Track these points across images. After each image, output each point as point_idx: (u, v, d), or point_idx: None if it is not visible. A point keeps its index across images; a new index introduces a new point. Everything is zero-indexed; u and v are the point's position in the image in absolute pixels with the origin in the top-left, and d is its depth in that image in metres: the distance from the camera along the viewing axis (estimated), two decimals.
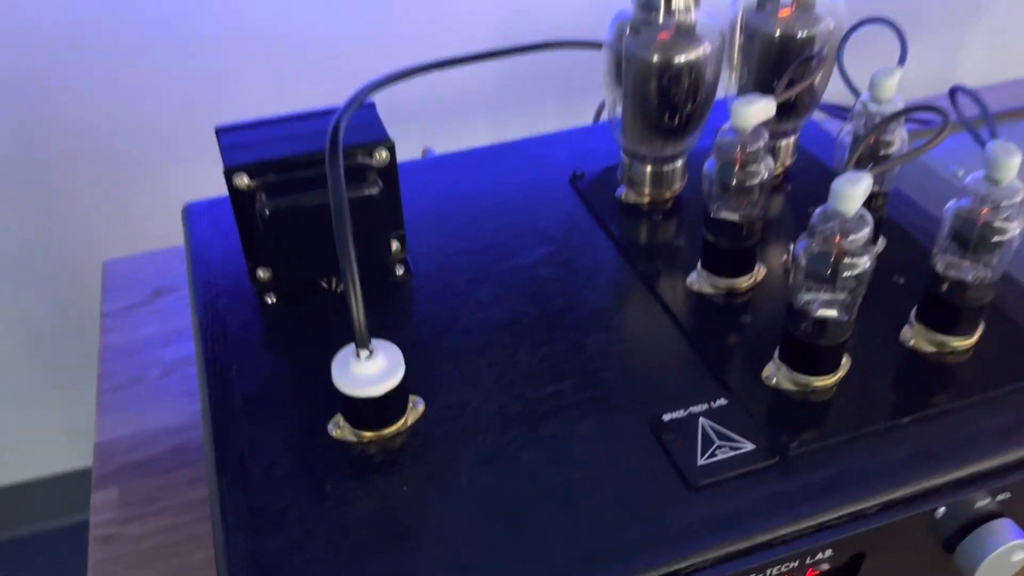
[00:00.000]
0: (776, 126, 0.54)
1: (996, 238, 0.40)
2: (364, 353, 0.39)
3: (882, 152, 0.46)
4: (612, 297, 0.49)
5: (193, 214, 0.56)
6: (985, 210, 0.40)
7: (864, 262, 0.38)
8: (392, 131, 0.48)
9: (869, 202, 0.47)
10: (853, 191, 0.37)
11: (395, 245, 0.50)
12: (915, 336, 0.44)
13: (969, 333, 0.44)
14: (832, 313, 0.40)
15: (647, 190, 0.55)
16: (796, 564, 0.37)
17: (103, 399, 0.60)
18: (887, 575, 0.41)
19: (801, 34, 0.51)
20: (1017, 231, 0.40)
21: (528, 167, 0.60)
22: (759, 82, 0.53)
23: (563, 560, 0.35)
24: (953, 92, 0.44)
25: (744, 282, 0.48)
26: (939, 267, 0.43)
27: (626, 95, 0.51)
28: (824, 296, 0.40)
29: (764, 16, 0.51)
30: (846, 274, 0.38)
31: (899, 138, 0.46)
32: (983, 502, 0.40)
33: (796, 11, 0.51)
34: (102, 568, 0.50)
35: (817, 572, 0.39)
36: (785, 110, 0.53)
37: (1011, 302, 0.47)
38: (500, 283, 0.50)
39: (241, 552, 0.36)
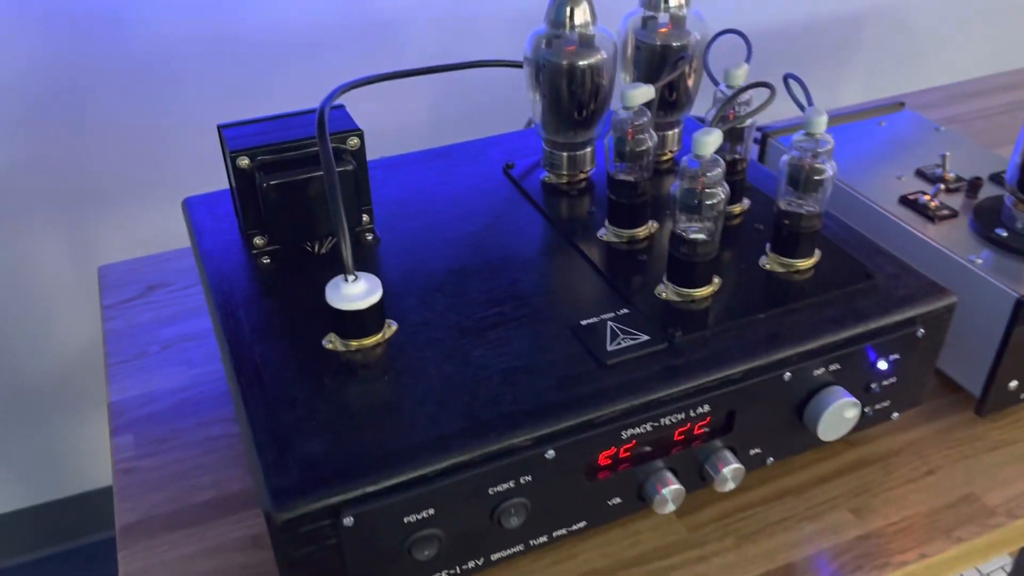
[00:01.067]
0: (663, 119, 0.69)
1: (817, 177, 0.55)
2: (351, 278, 0.51)
3: (738, 125, 0.61)
4: (540, 249, 0.62)
5: (192, 204, 0.67)
6: (808, 158, 0.54)
7: (719, 193, 0.52)
8: None
9: (732, 166, 0.62)
10: (706, 139, 0.50)
11: (364, 217, 0.63)
12: (770, 262, 0.58)
13: (808, 255, 0.58)
14: (701, 236, 0.53)
15: (565, 172, 0.68)
16: (683, 416, 0.50)
17: (111, 371, 0.70)
18: (757, 432, 0.54)
19: (676, 43, 0.66)
20: (830, 172, 0.55)
21: (470, 162, 0.73)
22: (646, 82, 0.67)
23: (510, 414, 0.47)
24: (786, 78, 0.59)
25: (641, 232, 0.61)
26: (781, 206, 0.57)
27: (543, 95, 0.65)
28: (695, 224, 0.53)
29: (647, 32, 0.66)
30: (707, 203, 0.52)
31: (745, 115, 0.61)
32: (819, 371, 0.53)
33: (672, 27, 0.66)
34: (127, 491, 0.59)
35: (703, 431, 0.52)
36: (668, 107, 0.68)
37: (837, 235, 0.61)
38: (451, 243, 0.62)
39: (262, 426, 0.47)
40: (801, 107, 0.57)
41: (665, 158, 0.71)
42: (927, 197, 0.68)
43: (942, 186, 0.69)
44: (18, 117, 1.06)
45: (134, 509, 0.58)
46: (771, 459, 0.56)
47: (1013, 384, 0.62)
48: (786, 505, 0.58)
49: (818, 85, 1.49)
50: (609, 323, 0.53)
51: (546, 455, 0.47)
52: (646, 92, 0.57)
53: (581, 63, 0.63)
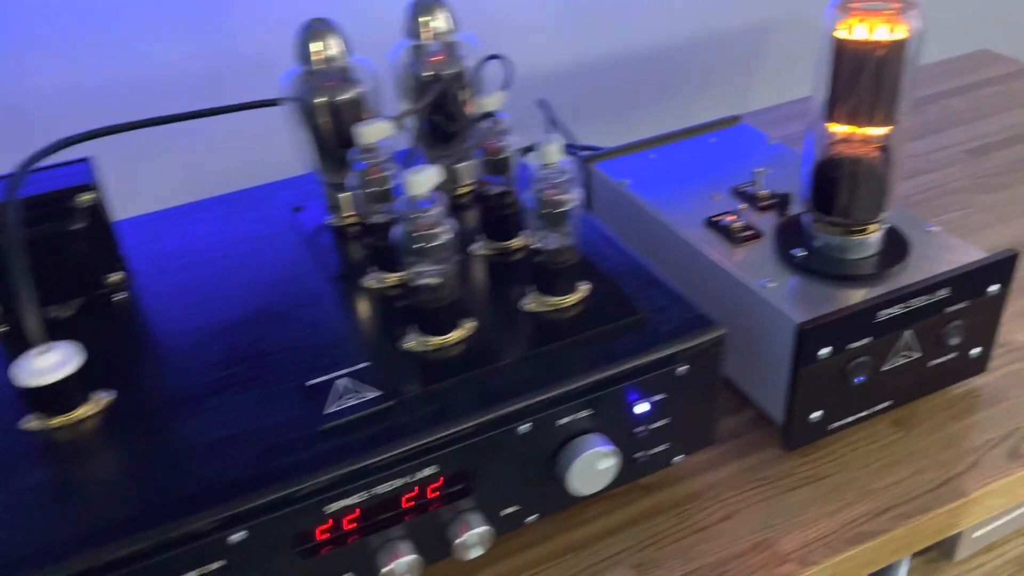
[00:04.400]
0: (446, 151, 0.65)
1: (559, 210, 0.51)
2: (39, 349, 0.47)
3: (500, 156, 0.57)
4: (303, 300, 0.57)
5: None
6: (548, 189, 0.50)
7: (442, 232, 0.48)
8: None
9: (501, 199, 0.58)
10: (417, 178, 0.47)
11: (115, 276, 0.59)
12: (532, 302, 0.54)
13: (569, 291, 0.54)
14: (434, 280, 0.49)
15: (346, 213, 0.64)
16: (404, 481, 0.46)
17: None
18: (505, 491, 0.49)
19: (447, 72, 0.62)
20: (574, 201, 0.51)
21: (261, 207, 0.69)
22: (425, 114, 0.63)
23: (194, 496, 0.43)
24: (540, 102, 0.55)
25: (406, 276, 0.57)
26: (534, 243, 0.53)
27: (311, 134, 0.61)
28: (424, 267, 0.49)
29: (417, 62, 0.62)
30: (431, 244, 0.48)
31: (509, 144, 0.57)
32: (565, 420, 0.49)
33: (445, 56, 0.62)
34: None
35: (437, 494, 0.47)
36: (449, 138, 0.64)
37: (615, 265, 0.57)
38: (212, 298, 0.58)
39: None
40: (566, 132, 0.53)
41: (461, 192, 0.67)
42: (731, 218, 0.64)
43: (742, 206, 0.65)
44: None
45: None
46: (533, 516, 0.51)
47: (816, 415, 0.57)
48: (567, 563, 0.53)
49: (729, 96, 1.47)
50: (338, 381, 0.49)
51: (230, 539, 0.42)
52: (380, 129, 0.53)
53: (339, 98, 0.59)
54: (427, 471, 0.46)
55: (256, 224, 0.67)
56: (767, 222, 0.64)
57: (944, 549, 0.89)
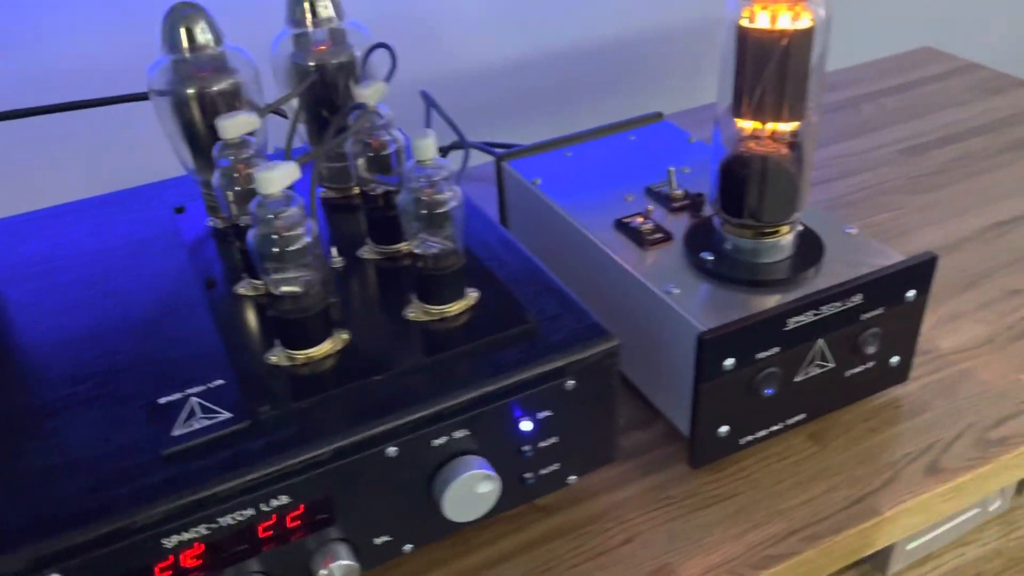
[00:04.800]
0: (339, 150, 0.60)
1: (440, 210, 0.46)
2: None
3: (382, 153, 0.52)
4: (170, 309, 0.53)
5: None
6: (425, 188, 0.46)
7: (300, 233, 0.43)
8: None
9: (387, 199, 0.54)
10: (270, 175, 0.42)
11: None
12: (414, 310, 0.50)
13: (455, 299, 0.49)
14: (294, 288, 0.45)
15: (225, 215, 0.59)
16: (253, 512, 0.41)
17: None
18: (376, 519, 0.45)
19: (334, 62, 0.57)
20: (454, 201, 0.46)
21: (142, 208, 0.64)
22: (309, 107, 0.59)
23: (11, 529, 0.38)
24: (423, 93, 0.51)
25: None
26: (414, 248, 0.48)
27: (182, 129, 0.56)
28: (285, 275, 0.45)
29: (301, 52, 0.58)
30: (289, 249, 0.43)
31: (395, 141, 0.52)
32: (440, 440, 0.44)
33: (331, 44, 0.58)
34: None
35: (298, 523, 0.43)
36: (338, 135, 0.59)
37: (511, 271, 0.53)
38: (71, 308, 0.53)
39: None
40: (453, 125, 0.49)
41: (356, 192, 0.63)
42: (640, 220, 0.60)
43: (650, 207, 0.61)
44: None
45: None
46: (409, 546, 0.47)
47: (724, 430, 0.54)
48: None
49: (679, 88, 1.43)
50: (192, 399, 0.45)
51: None
52: (244, 122, 0.48)
53: (212, 89, 0.54)
54: (279, 500, 0.42)
55: (133, 226, 0.62)
56: (680, 224, 0.61)
57: (877, 562, 0.86)
